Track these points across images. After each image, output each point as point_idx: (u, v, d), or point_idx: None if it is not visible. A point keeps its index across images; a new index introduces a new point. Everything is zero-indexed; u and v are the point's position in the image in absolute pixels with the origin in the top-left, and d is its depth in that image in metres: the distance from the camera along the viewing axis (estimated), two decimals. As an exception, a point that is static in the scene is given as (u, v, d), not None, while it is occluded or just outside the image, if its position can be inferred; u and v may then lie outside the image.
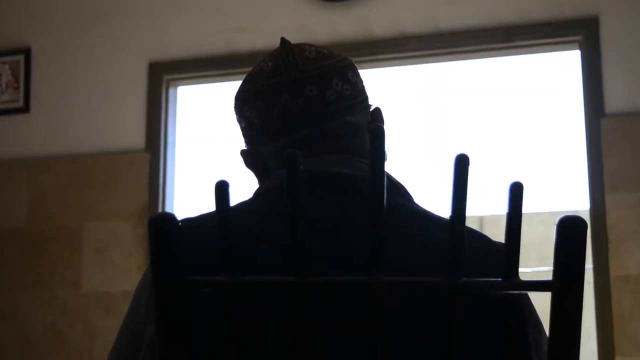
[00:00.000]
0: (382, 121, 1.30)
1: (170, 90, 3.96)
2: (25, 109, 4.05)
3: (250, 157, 1.29)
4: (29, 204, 3.95)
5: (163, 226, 0.74)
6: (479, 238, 1.17)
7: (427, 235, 1.11)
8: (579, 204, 4.01)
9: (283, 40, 1.29)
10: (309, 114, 1.21)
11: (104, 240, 3.83)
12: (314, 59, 1.24)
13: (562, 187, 5.39)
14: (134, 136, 3.90)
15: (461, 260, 0.74)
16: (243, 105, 1.27)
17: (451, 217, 0.74)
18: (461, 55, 3.72)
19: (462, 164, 0.72)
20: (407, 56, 3.71)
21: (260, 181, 1.30)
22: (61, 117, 4.01)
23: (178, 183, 3.97)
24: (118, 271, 3.78)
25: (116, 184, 3.86)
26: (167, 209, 3.85)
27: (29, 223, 3.93)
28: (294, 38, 4.34)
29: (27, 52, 4.08)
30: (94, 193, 3.88)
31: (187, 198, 4.57)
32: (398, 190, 1.20)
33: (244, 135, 1.29)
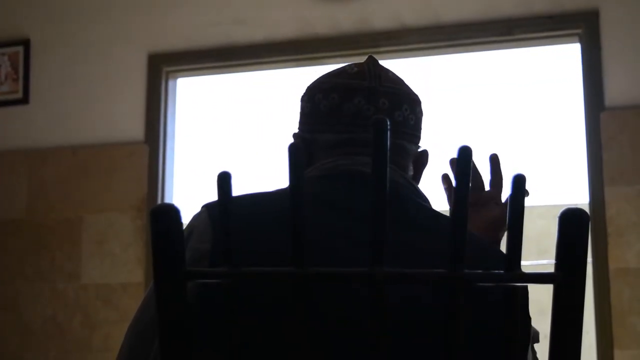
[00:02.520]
0: (426, 162, 1.39)
1: (170, 82, 3.95)
2: (25, 100, 4.04)
3: (302, 142, 1.34)
4: (29, 196, 3.95)
5: (165, 217, 0.74)
6: (481, 240, 1.24)
7: (434, 230, 1.17)
8: (578, 197, 4.01)
9: (371, 56, 1.37)
10: None
11: (103, 232, 3.83)
12: (395, 80, 1.33)
13: (561, 180, 5.39)
14: (133, 128, 3.89)
15: (463, 252, 0.74)
16: (316, 92, 1.33)
17: (453, 208, 0.74)
18: (461, 48, 3.71)
19: (465, 155, 0.71)
20: (407, 49, 3.71)
21: None
22: (60, 109, 4.01)
23: (177, 175, 3.97)
24: (117, 263, 3.78)
25: (115, 176, 3.86)
26: (167, 201, 3.85)
27: (28, 214, 3.93)
28: (293, 31, 4.34)
29: (26, 44, 4.07)
30: (94, 184, 3.88)
31: (187, 190, 4.57)
32: (415, 192, 1.28)
33: (304, 121, 1.35)
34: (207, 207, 1.19)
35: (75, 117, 3.99)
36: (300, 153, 0.72)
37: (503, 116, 5.54)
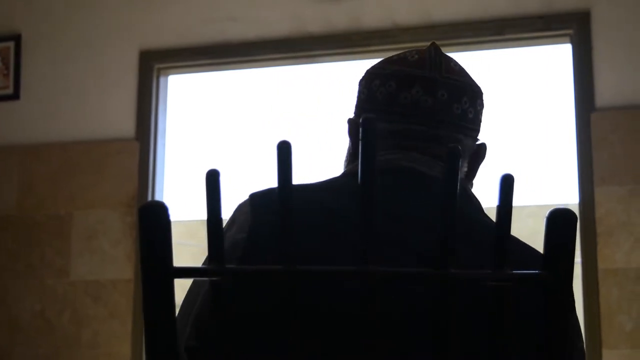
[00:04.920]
0: (483, 156, 1.35)
1: (161, 79, 3.94)
2: (15, 96, 4.03)
3: (356, 128, 1.32)
4: (19, 191, 3.94)
5: (153, 214, 0.74)
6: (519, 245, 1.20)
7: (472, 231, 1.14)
8: (569, 197, 4.02)
9: (434, 43, 1.32)
10: (432, 115, 1.25)
11: (93, 228, 3.82)
12: (457, 71, 1.29)
13: (551, 180, 5.40)
14: (124, 124, 3.89)
15: (453, 251, 0.74)
16: (374, 78, 1.29)
17: (444, 208, 0.74)
18: (452, 48, 3.71)
19: (453, 154, 0.72)
20: (398, 48, 3.70)
21: (350, 154, 1.34)
22: (51, 105, 3.99)
23: (168, 172, 3.97)
24: (107, 259, 3.78)
25: (106, 172, 3.85)
26: (157, 198, 3.85)
27: (18, 210, 3.92)
28: (286, 29, 4.34)
29: (17, 39, 4.06)
30: (84, 181, 3.87)
31: (177, 187, 4.56)
32: (465, 193, 1.25)
33: (360, 106, 1.32)
34: (252, 198, 1.18)
35: (66, 113, 3.97)
36: (289, 152, 0.72)
37: (493, 116, 5.54)
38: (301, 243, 1.05)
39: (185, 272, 0.73)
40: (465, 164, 1.31)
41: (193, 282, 1.19)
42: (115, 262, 3.76)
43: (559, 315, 0.79)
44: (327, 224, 1.09)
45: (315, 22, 3.74)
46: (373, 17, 3.69)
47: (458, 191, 1.21)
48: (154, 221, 0.73)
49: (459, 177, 1.26)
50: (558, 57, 4.08)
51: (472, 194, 1.28)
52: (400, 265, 1.00)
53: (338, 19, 3.72)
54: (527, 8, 3.54)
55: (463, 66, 1.32)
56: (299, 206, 1.11)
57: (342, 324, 1.02)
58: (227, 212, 0.79)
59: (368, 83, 1.30)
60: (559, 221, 0.78)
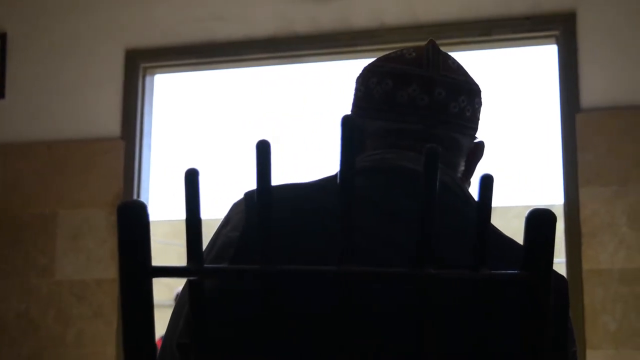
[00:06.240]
0: (481, 154, 1.34)
1: (147, 78, 3.93)
2: (0, 94, 4.01)
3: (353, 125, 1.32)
4: (3, 190, 3.92)
5: (131, 213, 0.74)
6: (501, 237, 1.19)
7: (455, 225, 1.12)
8: (554, 197, 4.03)
9: (432, 40, 1.32)
10: (429, 114, 1.24)
11: (78, 228, 3.80)
12: (455, 70, 1.29)
13: (537, 181, 5.42)
14: (110, 124, 3.87)
15: (431, 251, 0.75)
16: (371, 76, 1.29)
17: (423, 208, 0.74)
18: (440, 48, 3.72)
19: (432, 157, 0.72)
20: (386, 48, 3.70)
21: None
22: (37, 103, 3.98)
23: (153, 172, 3.96)
24: (92, 259, 3.76)
25: (91, 172, 3.84)
26: (142, 197, 3.84)
27: (2, 209, 3.90)
28: (273, 28, 4.33)
29: (2, 38, 4.04)
30: (69, 180, 3.86)
31: (163, 186, 4.55)
32: (457, 193, 1.22)
33: (356, 104, 1.31)
34: (246, 197, 1.18)
35: (52, 112, 3.96)
36: (269, 151, 0.72)
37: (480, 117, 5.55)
38: (298, 242, 1.05)
39: (163, 272, 0.73)
40: (463, 163, 1.30)
41: (186, 281, 1.20)
42: (101, 262, 3.75)
43: (537, 315, 0.79)
44: (323, 223, 1.09)
45: (302, 21, 3.74)
46: (361, 17, 3.70)
47: (456, 191, 1.21)
48: (133, 220, 0.73)
49: (457, 175, 1.26)
50: (544, 58, 4.09)
51: (467, 192, 1.26)
52: (392, 265, 0.99)
53: (325, 19, 3.72)
54: (514, 9, 3.55)
55: (461, 64, 1.31)
56: (294, 205, 1.12)
57: (320, 324, 1.02)
58: (206, 212, 0.79)
59: (365, 80, 1.29)
60: (538, 221, 0.78)
